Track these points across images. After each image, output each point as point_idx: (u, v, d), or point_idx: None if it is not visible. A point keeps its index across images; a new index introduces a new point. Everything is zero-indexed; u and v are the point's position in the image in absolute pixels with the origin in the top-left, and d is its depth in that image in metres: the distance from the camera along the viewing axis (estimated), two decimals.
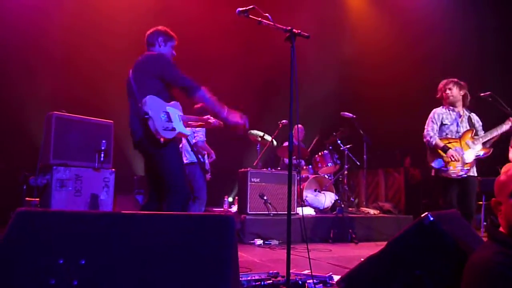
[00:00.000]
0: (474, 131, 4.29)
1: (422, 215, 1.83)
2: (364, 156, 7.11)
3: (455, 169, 4.11)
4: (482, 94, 4.22)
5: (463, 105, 4.38)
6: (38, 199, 4.59)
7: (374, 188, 8.97)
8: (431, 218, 1.79)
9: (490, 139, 4.21)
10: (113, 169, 4.75)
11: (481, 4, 7.39)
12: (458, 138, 4.25)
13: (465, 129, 4.29)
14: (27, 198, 4.73)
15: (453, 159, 4.09)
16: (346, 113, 6.95)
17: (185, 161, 5.31)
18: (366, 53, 9.04)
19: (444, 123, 4.31)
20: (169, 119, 3.21)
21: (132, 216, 1.45)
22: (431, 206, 7.55)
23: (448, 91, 4.32)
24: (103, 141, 4.68)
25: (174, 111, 3.31)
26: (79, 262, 1.34)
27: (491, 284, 1.39)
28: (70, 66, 7.30)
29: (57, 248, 1.36)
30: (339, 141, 7.07)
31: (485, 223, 6.57)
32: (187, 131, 3.50)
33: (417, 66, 7.90)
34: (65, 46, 7.34)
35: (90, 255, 1.35)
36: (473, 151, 4.17)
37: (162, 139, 3.14)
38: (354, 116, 6.93)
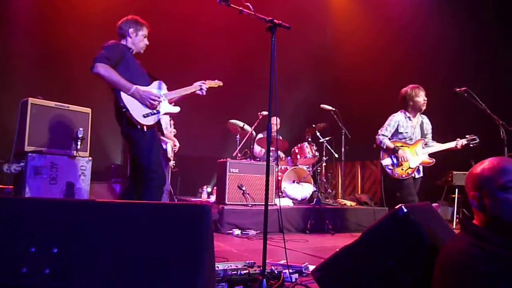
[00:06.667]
0: (425, 141, 4.68)
1: (396, 207, 1.86)
2: (342, 149, 7.19)
3: (399, 171, 4.52)
4: (457, 90, 4.32)
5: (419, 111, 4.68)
6: (11, 186, 4.50)
7: (351, 180, 9.10)
8: (405, 210, 1.83)
9: (437, 151, 4.61)
10: (90, 158, 4.68)
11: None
12: (411, 144, 4.62)
13: (418, 137, 4.67)
14: (0, 186, 4.62)
15: (402, 160, 4.47)
16: (325, 105, 7.00)
17: None
18: (348, 48, 9.07)
19: (399, 131, 4.63)
20: None
21: (106, 204, 1.44)
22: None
23: (424, 99, 4.57)
24: (80, 129, 4.60)
25: (157, 92, 3.41)
26: (51, 250, 1.33)
27: (464, 275, 1.41)
28: (47, 52, 7.13)
29: (29, 236, 1.34)
30: (318, 133, 7.13)
31: (457, 216, 6.74)
32: (174, 108, 3.54)
33: (396, 64, 7.96)
34: (42, 31, 7.16)
35: (63, 244, 1.34)
36: (419, 158, 4.57)
37: (145, 127, 3.24)
38: (334, 109, 6.99)
